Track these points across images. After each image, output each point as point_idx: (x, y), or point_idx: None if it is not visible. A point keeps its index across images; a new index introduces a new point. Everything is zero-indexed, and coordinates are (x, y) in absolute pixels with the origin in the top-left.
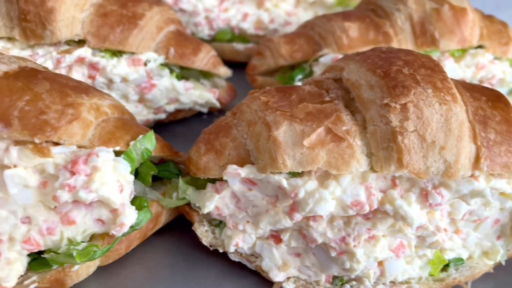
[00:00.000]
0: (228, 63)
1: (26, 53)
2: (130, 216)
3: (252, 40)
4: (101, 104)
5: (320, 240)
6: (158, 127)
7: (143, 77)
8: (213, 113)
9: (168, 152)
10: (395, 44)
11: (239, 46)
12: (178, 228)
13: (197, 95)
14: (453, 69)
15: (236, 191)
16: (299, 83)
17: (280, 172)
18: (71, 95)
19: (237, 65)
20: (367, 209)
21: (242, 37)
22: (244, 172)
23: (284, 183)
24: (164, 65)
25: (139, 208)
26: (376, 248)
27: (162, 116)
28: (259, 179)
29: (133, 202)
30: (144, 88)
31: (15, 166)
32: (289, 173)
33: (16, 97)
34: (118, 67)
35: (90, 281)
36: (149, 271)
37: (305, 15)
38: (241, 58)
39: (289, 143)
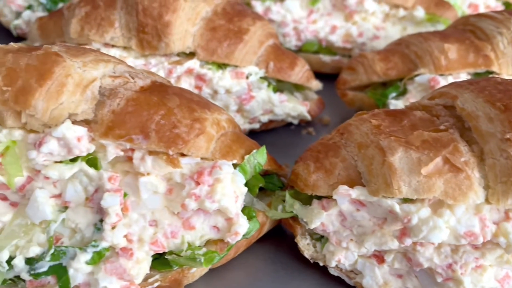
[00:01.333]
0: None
1: (140, 62)
2: (243, 225)
3: (339, 53)
4: (220, 118)
5: (426, 265)
6: (249, 135)
7: (244, 89)
8: (300, 124)
9: (274, 165)
10: (495, 68)
11: (326, 58)
12: (275, 236)
13: (291, 107)
14: None
15: (344, 210)
16: (393, 101)
17: (392, 197)
18: (197, 110)
19: (322, 76)
20: (481, 240)
21: (329, 49)
22: (355, 193)
23: (397, 208)
24: (264, 78)
25: (248, 217)
26: (483, 277)
27: (256, 126)
28: (370, 201)
29: (242, 211)
30: (243, 100)
31: (148, 174)
32: (402, 198)
33: (153, 111)
34: (223, 80)
35: (199, 282)
36: (251, 276)
37: (393, 29)
38: (327, 70)
39: (405, 169)
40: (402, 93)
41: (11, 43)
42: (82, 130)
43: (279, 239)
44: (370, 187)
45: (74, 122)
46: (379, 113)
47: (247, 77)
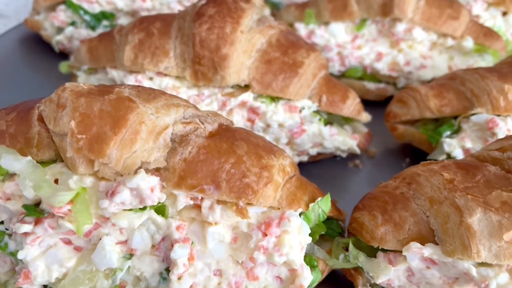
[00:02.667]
0: None
1: (192, 92)
2: (307, 277)
3: (383, 80)
4: (285, 164)
5: None
6: None
7: (297, 123)
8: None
9: (335, 211)
10: None
11: (371, 85)
12: (330, 280)
13: (341, 141)
14: None
15: (413, 267)
16: (447, 140)
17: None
18: (263, 156)
19: (364, 102)
20: None
21: (373, 75)
22: (427, 252)
23: (474, 271)
24: (316, 112)
25: (309, 266)
26: None
27: (305, 158)
28: (443, 261)
29: (304, 259)
30: (295, 133)
31: (216, 223)
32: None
33: (224, 160)
34: (277, 114)
35: None
36: None
37: (440, 58)
38: (370, 97)
39: (484, 233)
40: (456, 131)
41: (81, 84)
42: (155, 180)
43: (334, 285)
44: (445, 247)
45: (146, 170)
46: (450, 165)
47: (300, 111)
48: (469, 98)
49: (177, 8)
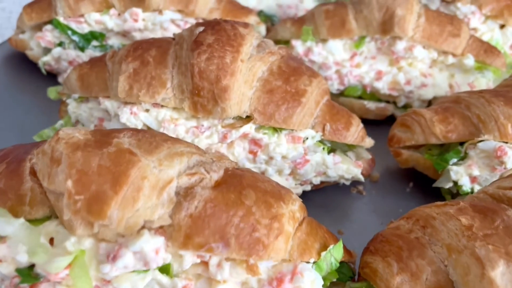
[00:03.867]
0: None
1: (191, 124)
2: None
3: (383, 98)
4: (294, 210)
5: None
6: (300, 197)
7: (300, 154)
8: None
9: (346, 256)
10: None
11: (371, 105)
12: None
13: (345, 169)
14: None
15: None
16: (454, 168)
17: None
18: (273, 204)
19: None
20: None
21: (373, 94)
22: None
23: None
24: (319, 141)
25: None
26: None
27: (308, 187)
28: None
29: None
30: (298, 164)
31: (225, 281)
32: None
33: (232, 213)
34: (281, 146)
35: None
36: None
37: (440, 76)
38: (370, 116)
39: (508, 287)
40: (463, 157)
41: (76, 133)
42: (160, 241)
43: None
44: None
45: (150, 229)
46: (466, 208)
47: (303, 141)
48: (475, 124)
49: (170, 28)
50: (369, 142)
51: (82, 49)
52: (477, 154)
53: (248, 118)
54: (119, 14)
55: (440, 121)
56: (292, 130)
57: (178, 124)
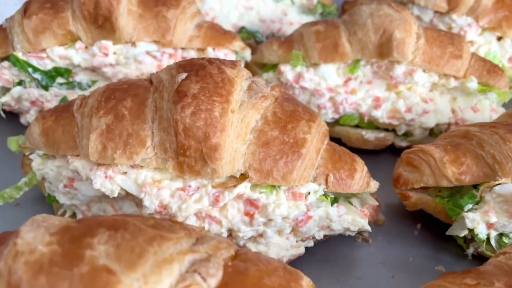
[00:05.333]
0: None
1: (177, 185)
2: None
3: (382, 127)
4: None
5: None
6: None
7: (302, 212)
8: None
9: None
10: None
11: (369, 135)
12: None
13: (350, 221)
14: None
15: None
16: (470, 215)
17: None
18: None
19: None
20: None
21: (371, 122)
22: None
23: None
24: (323, 195)
25: None
26: None
27: (310, 243)
28: None
29: None
30: (300, 222)
31: None
32: None
33: None
34: (281, 207)
35: None
36: None
37: (441, 100)
38: (369, 147)
39: None
40: (477, 201)
41: (39, 247)
42: None
43: None
44: None
45: None
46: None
47: (305, 197)
48: (490, 165)
49: (146, 60)
50: (374, 186)
51: (45, 87)
52: (494, 198)
53: (242, 176)
54: (86, 47)
55: (452, 161)
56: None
57: (162, 188)
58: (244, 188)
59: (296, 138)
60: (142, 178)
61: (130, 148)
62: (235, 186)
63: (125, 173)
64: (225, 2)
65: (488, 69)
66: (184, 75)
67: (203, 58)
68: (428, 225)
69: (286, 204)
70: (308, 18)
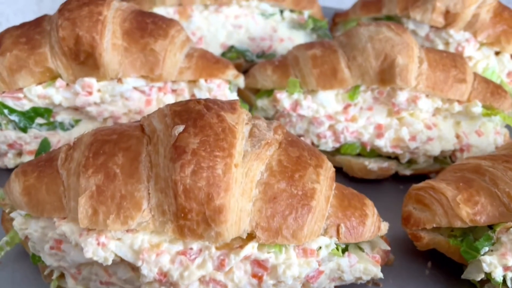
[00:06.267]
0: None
1: (176, 248)
2: None
3: (385, 155)
4: None
5: None
6: None
7: (314, 268)
8: None
9: None
10: None
11: (372, 165)
12: None
13: (362, 270)
14: None
15: None
16: (488, 258)
17: None
18: None
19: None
20: None
21: (374, 151)
22: None
23: None
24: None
25: None
26: None
27: None
28: None
29: None
30: (311, 278)
31: None
32: None
33: None
34: (292, 267)
35: None
36: None
37: (445, 125)
38: (372, 177)
39: None
40: (493, 243)
41: None
42: None
43: None
44: None
45: None
46: None
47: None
48: (505, 204)
49: (133, 96)
50: (384, 228)
51: (24, 129)
52: (511, 240)
53: (249, 235)
54: (67, 85)
55: (466, 201)
56: None
57: (161, 253)
58: (251, 248)
59: (304, 189)
60: (139, 243)
61: (124, 212)
62: (241, 247)
63: (119, 239)
64: (212, 21)
65: (492, 91)
66: (181, 128)
67: (199, 102)
68: (439, 263)
69: (296, 262)
70: (299, 33)
